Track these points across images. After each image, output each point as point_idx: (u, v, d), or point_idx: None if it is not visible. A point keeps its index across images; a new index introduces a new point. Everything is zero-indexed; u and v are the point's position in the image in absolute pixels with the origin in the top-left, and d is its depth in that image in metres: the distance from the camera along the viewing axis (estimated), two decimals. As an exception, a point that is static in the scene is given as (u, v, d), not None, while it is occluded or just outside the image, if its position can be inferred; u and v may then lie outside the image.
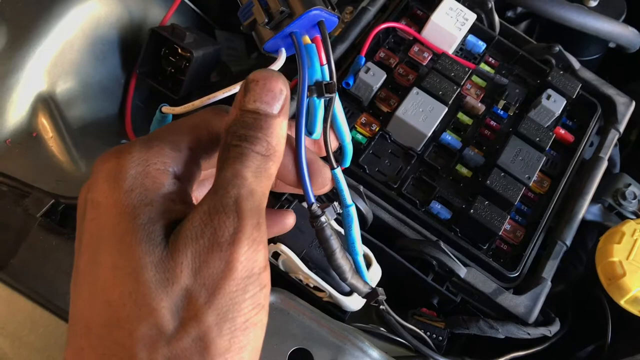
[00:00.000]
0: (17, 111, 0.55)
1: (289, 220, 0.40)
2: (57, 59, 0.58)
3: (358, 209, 0.58)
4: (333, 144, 0.37)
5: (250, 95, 0.30)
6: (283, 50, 0.39)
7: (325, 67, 0.36)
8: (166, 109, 0.40)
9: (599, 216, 0.71)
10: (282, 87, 0.30)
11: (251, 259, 0.28)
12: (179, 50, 0.64)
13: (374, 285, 0.54)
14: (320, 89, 0.35)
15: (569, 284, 0.66)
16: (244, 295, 0.28)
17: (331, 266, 0.37)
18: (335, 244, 0.36)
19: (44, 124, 0.56)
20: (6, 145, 0.54)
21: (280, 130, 0.30)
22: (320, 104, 0.36)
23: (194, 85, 0.65)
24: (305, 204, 0.35)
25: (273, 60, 0.36)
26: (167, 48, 0.64)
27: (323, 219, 0.35)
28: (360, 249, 0.38)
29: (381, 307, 0.41)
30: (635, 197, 0.70)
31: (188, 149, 0.30)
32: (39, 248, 0.45)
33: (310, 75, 0.35)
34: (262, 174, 0.29)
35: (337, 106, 0.36)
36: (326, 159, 0.36)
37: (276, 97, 0.30)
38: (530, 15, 0.90)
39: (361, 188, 0.58)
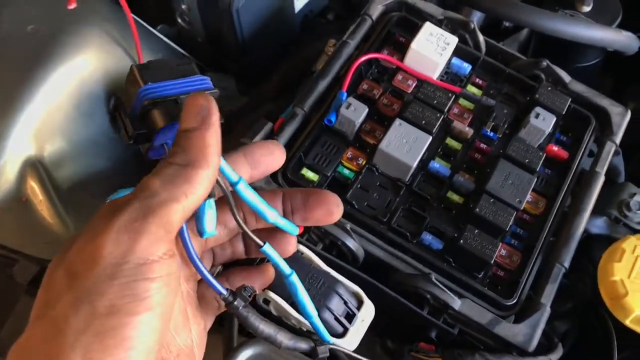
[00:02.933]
0: (6, 178, 0.56)
1: (270, 272, 0.41)
2: (44, 122, 0.59)
3: (348, 247, 0.57)
4: (261, 224, 0.39)
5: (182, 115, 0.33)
6: (165, 147, 0.41)
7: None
8: None
9: (606, 229, 0.69)
10: (202, 103, 0.33)
11: (124, 248, 0.29)
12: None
13: (367, 324, 0.55)
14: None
15: (577, 301, 0.65)
16: (111, 281, 0.29)
17: (262, 339, 0.38)
18: (253, 321, 0.37)
19: (33, 188, 0.57)
20: (-5, 211, 0.55)
21: (200, 141, 0.32)
22: (206, 203, 0.35)
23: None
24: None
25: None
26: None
27: (236, 303, 0.37)
28: (313, 311, 0.39)
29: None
30: (640, 207, 0.68)
31: None
32: (27, 317, 0.46)
33: None
34: (174, 180, 0.31)
35: (246, 193, 0.36)
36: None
37: (198, 113, 0.33)
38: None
39: (348, 226, 0.57)
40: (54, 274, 0.31)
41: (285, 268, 0.38)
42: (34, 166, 0.58)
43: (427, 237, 0.59)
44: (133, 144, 0.38)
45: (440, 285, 0.55)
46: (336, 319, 0.52)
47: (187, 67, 0.48)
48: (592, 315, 0.61)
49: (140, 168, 0.67)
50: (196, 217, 0.35)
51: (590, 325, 0.62)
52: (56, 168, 0.59)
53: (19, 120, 0.58)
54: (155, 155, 0.41)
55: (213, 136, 0.32)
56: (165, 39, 0.77)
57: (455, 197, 0.61)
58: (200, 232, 0.34)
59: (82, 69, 0.63)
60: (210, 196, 0.34)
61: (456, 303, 0.55)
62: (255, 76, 0.81)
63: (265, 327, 0.37)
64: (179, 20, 0.79)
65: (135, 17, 0.74)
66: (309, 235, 0.58)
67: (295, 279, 0.38)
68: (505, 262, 0.59)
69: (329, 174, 0.61)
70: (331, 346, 0.40)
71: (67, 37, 0.63)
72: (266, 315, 0.54)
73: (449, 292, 0.55)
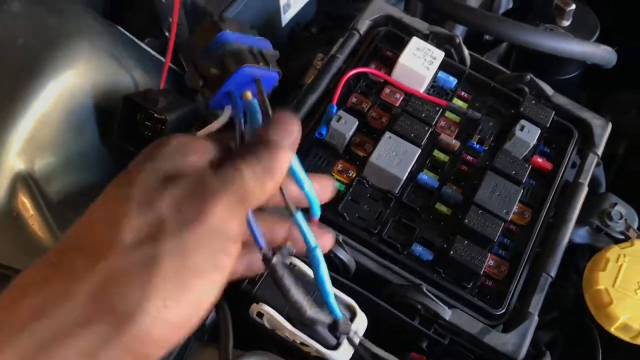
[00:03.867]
0: (-4, 193, 0.56)
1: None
2: (34, 136, 0.59)
3: (339, 259, 0.58)
4: (295, 193, 0.39)
5: (271, 129, 0.36)
6: (227, 107, 0.42)
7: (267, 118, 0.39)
8: None
9: (588, 238, 0.70)
10: (294, 128, 0.37)
11: (224, 220, 0.32)
12: (155, 115, 0.65)
13: (361, 335, 0.55)
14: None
15: (560, 310, 0.66)
16: (205, 243, 0.32)
17: (289, 305, 0.39)
18: (288, 282, 0.38)
19: (24, 202, 0.57)
20: (-14, 227, 0.55)
21: (284, 159, 0.36)
22: None
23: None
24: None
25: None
26: (142, 113, 0.65)
27: (274, 260, 0.38)
28: (331, 289, 0.40)
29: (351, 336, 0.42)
30: (621, 217, 0.70)
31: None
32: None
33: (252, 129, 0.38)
34: (259, 178, 0.34)
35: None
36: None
37: (288, 134, 0.36)
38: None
39: (340, 238, 0.58)
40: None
41: (312, 240, 0.38)
42: (25, 181, 0.57)
43: (417, 248, 0.60)
44: (203, 86, 0.40)
45: (431, 296, 0.56)
46: (330, 330, 0.53)
47: (253, 32, 0.48)
48: (577, 323, 0.63)
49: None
50: None
51: (574, 334, 0.64)
52: (47, 183, 0.59)
53: (9, 134, 0.57)
54: (216, 105, 0.42)
55: (290, 156, 0.36)
56: (154, 52, 0.77)
57: (443, 209, 0.62)
58: None
59: (72, 82, 0.63)
60: None
61: (447, 313, 0.56)
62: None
63: (296, 292, 0.38)
64: (167, 33, 0.79)
65: (123, 30, 0.75)
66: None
67: (319, 253, 0.39)
68: (493, 272, 0.60)
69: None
70: (351, 330, 0.41)
71: (57, 51, 0.62)
72: (260, 328, 0.55)
73: (439, 302, 0.56)
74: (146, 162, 0.34)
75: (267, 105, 0.39)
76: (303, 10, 0.86)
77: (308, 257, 0.40)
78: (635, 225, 0.70)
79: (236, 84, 0.39)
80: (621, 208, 0.70)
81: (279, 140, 0.36)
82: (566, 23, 0.86)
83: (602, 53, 0.79)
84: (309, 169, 0.62)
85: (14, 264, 0.53)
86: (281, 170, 0.36)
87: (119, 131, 0.64)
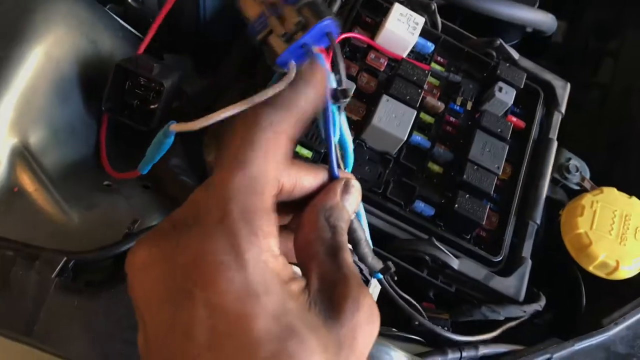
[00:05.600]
0: (-7, 168, 0.52)
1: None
2: (24, 108, 0.55)
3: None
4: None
5: (350, 199, 0.35)
6: (293, 63, 0.42)
7: (339, 75, 0.40)
8: (176, 126, 0.40)
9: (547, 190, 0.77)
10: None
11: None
12: (142, 82, 0.63)
13: (379, 290, 0.57)
14: (335, 95, 0.38)
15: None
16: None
17: (356, 254, 0.40)
18: (360, 233, 0.40)
19: (24, 177, 0.53)
20: (-12, 205, 0.51)
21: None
22: (336, 110, 0.39)
23: (164, 115, 0.64)
24: None
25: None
26: (131, 81, 0.63)
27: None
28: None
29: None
30: (577, 170, 0.77)
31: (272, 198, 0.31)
32: (61, 310, 0.44)
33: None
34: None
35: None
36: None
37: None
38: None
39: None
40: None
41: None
42: (22, 154, 0.53)
43: (420, 205, 0.63)
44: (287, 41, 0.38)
45: (442, 247, 0.59)
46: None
47: None
48: (555, 265, 0.69)
49: (116, 154, 0.65)
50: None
51: (554, 275, 0.70)
52: (42, 156, 0.55)
53: (0, 107, 0.53)
54: (284, 61, 0.40)
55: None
56: (118, 19, 0.73)
57: (435, 167, 0.66)
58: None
59: (55, 49, 0.59)
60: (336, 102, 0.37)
61: (455, 263, 0.60)
62: (211, 55, 0.80)
63: (365, 244, 0.39)
64: (130, 0, 0.76)
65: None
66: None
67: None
68: (486, 224, 0.64)
69: (322, 151, 0.62)
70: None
71: (37, 15, 0.58)
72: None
73: (448, 253, 0.60)
74: None
75: (342, 61, 0.39)
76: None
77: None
78: (588, 176, 0.78)
79: (311, 37, 0.39)
80: (576, 162, 0.77)
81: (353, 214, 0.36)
82: (509, -8, 0.92)
83: (548, 20, 0.85)
84: (310, 133, 0.62)
85: (22, 239, 0.50)
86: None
87: (107, 100, 0.61)
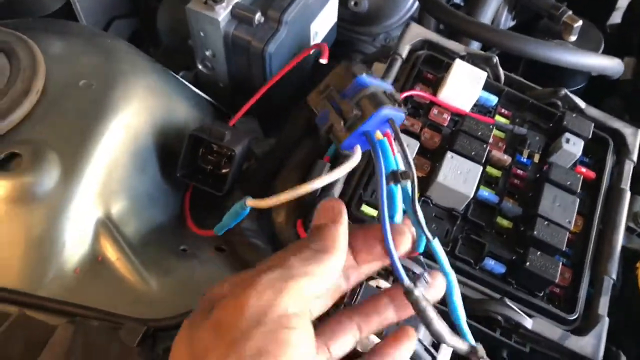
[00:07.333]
0: (80, 239, 0.55)
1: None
2: (106, 180, 0.58)
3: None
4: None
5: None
6: (358, 147, 0.44)
7: (399, 157, 0.41)
8: (251, 202, 0.43)
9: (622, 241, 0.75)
10: (333, 205, 0.40)
11: (267, 301, 0.34)
12: (215, 148, 0.66)
13: (451, 351, 0.57)
14: (395, 177, 0.40)
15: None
16: (256, 328, 0.33)
17: (430, 332, 0.40)
18: (431, 313, 0.40)
19: (107, 247, 0.56)
20: (75, 275, 0.54)
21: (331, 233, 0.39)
22: (398, 190, 0.41)
23: (235, 179, 0.66)
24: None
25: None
26: (204, 147, 0.66)
27: (417, 292, 0.39)
28: (462, 314, 0.42)
29: None
30: (652, 219, 0.74)
31: None
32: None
33: (385, 165, 0.40)
34: (309, 260, 0.36)
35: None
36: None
37: (329, 212, 0.40)
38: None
39: (421, 257, 0.60)
40: (198, 330, 0.34)
41: (447, 266, 0.42)
42: (105, 225, 0.57)
43: (490, 262, 0.62)
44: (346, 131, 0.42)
45: (514, 307, 0.59)
46: (426, 349, 0.55)
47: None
48: (634, 320, 0.67)
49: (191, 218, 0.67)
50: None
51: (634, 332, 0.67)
52: (124, 224, 0.58)
53: (85, 179, 0.57)
54: (348, 146, 0.44)
55: (341, 230, 0.38)
56: (190, 86, 0.77)
57: (504, 222, 0.65)
58: (391, 216, 0.41)
59: (132, 122, 0.62)
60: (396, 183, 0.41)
61: (528, 322, 0.59)
62: (275, 117, 0.83)
63: (437, 322, 0.39)
64: (200, 66, 0.79)
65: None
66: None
67: (453, 278, 0.42)
68: (560, 280, 0.63)
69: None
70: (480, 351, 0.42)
71: (116, 91, 0.62)
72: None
73: (521, 313, 0.59)
74: None
75: (403, 144, 0.41)
76: (327, 37, 0.88)
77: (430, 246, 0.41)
78: (664, 225, 0.75)
79: (371, 125, 0.41)
80: (650, 210, 0.75)
81: (320, 219, 0.39)
82: (573, 38, 0.91)
83: (615, 65, 0.84)
84: (375, 192, 0.63)
85: (106, 307, 0.53)
86: (333, 241, 0.38)
87: (182, 167, 0.64)
